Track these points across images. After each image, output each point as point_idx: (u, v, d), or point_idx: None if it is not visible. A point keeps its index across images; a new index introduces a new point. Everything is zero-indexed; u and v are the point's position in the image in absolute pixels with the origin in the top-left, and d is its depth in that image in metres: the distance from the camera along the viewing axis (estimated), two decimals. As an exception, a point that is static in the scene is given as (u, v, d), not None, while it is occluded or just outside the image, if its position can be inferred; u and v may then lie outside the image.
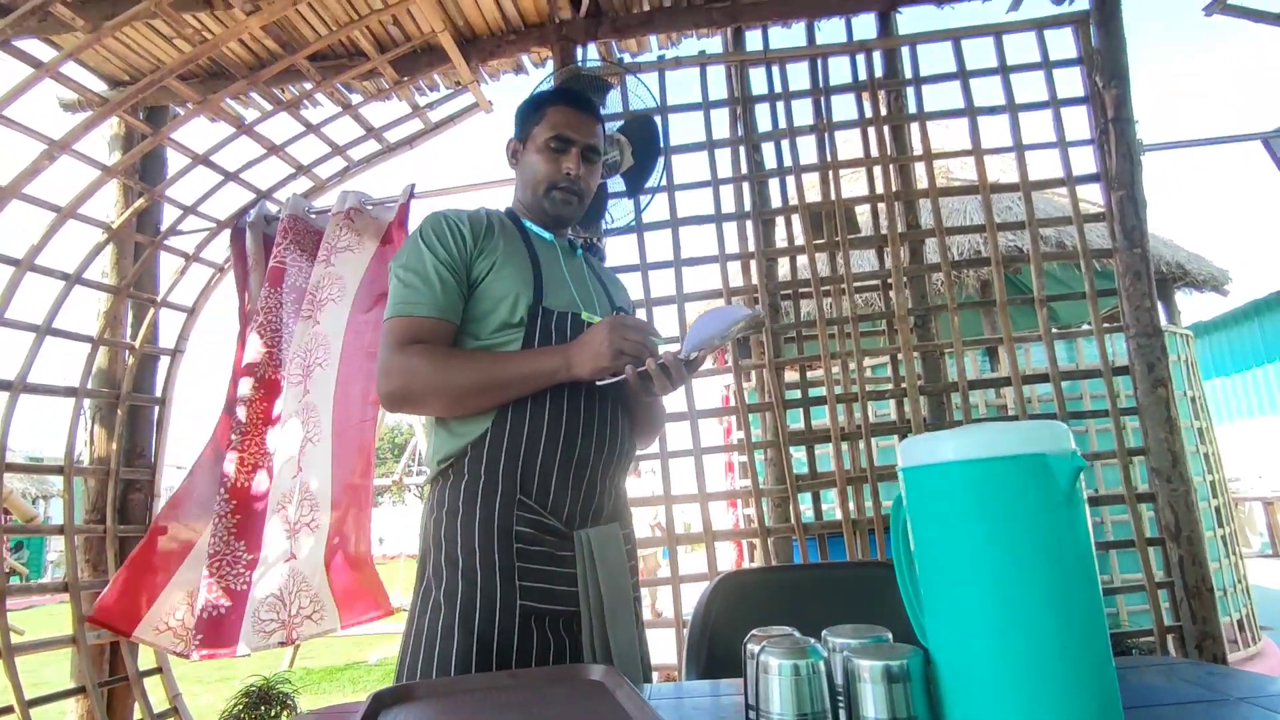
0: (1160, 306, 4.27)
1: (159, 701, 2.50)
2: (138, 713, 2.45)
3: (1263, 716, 0.64)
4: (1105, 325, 2.30)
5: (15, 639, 2.22)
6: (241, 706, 3.39)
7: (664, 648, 2.32)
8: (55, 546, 14.62)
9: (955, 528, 0.54)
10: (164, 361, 2.69)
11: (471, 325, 1.15)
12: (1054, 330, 2.32)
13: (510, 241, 1.20)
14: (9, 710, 2.09)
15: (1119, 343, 2.33)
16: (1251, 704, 0.67)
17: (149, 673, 2.50)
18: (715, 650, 1.27)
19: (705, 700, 0.83)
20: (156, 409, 2.64)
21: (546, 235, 1.27)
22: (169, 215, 2.62)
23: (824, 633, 0.64)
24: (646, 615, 2.33)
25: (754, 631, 0.67)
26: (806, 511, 2.31)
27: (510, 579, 1.06)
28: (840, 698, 0.57)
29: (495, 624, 1.03)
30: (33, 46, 2.23)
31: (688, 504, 2.35)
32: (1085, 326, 2.36)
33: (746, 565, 4.37)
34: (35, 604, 10.40)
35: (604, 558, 1.13)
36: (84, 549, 2.44)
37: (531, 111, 1.27)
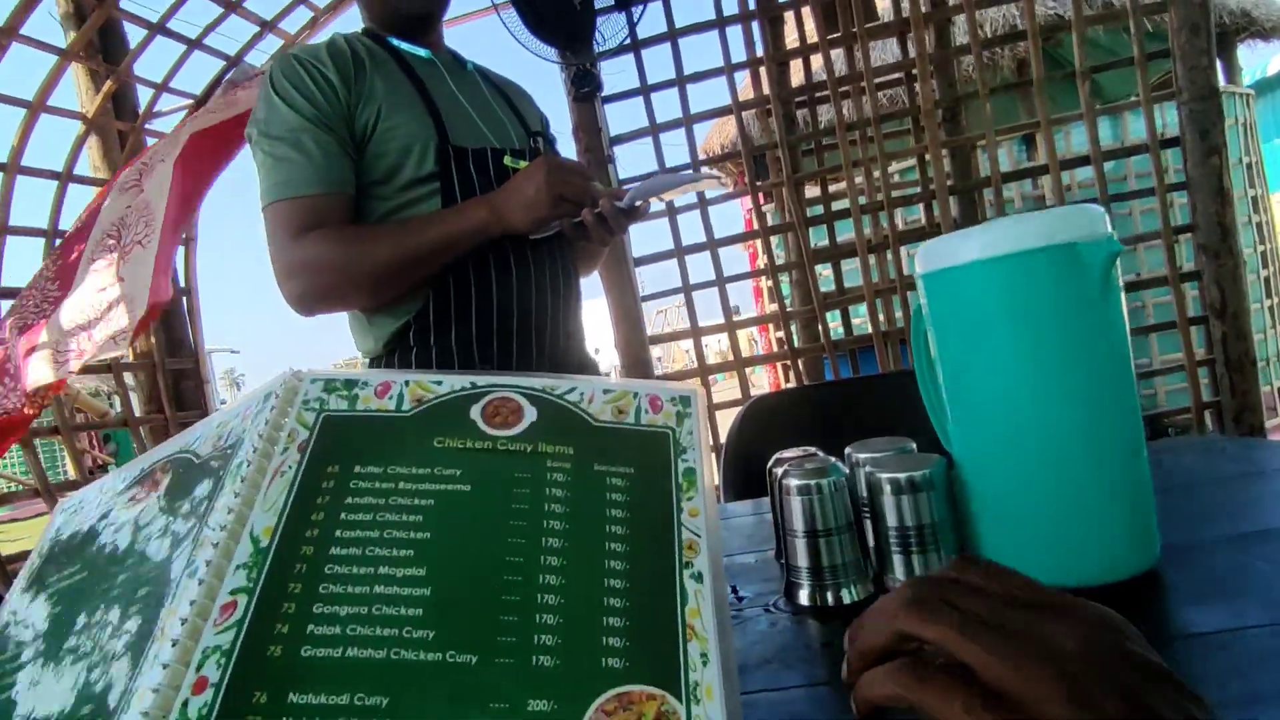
0: (1219, 64, 3.87)
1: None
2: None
3: (1300, 484, 0.63)
4: (1155, 94, 2.09)
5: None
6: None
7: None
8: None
9: (981, 331, 0.50)
10: (180, 251, 2.68)
11: (375, 188, 0.98)
12: (1097, 107, 2.13)
13: (387, 75, 0.99)
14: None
15: (1169, 112, 2.13)
16: (1289, 472, 0.66)
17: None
18: (751, 471, 1.32)
19: (748, 520, 0.86)
20: (185, 299, 2.67)
21: (422, 52, 1.06)
22: (145, 97, 2.49)
23: (847, 449, 0.64)
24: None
25: (777, 454, 0.67)
26: (836, 328, 2.29)
27: None
28: (865, 509, 0.57)
29: None
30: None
31: (718, 334, 2.35)
32: (1133, 98, 2.16)
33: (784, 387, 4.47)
34: (133, 487, 11.32)
35: None
36: (150, 438, 2.59)
37: None
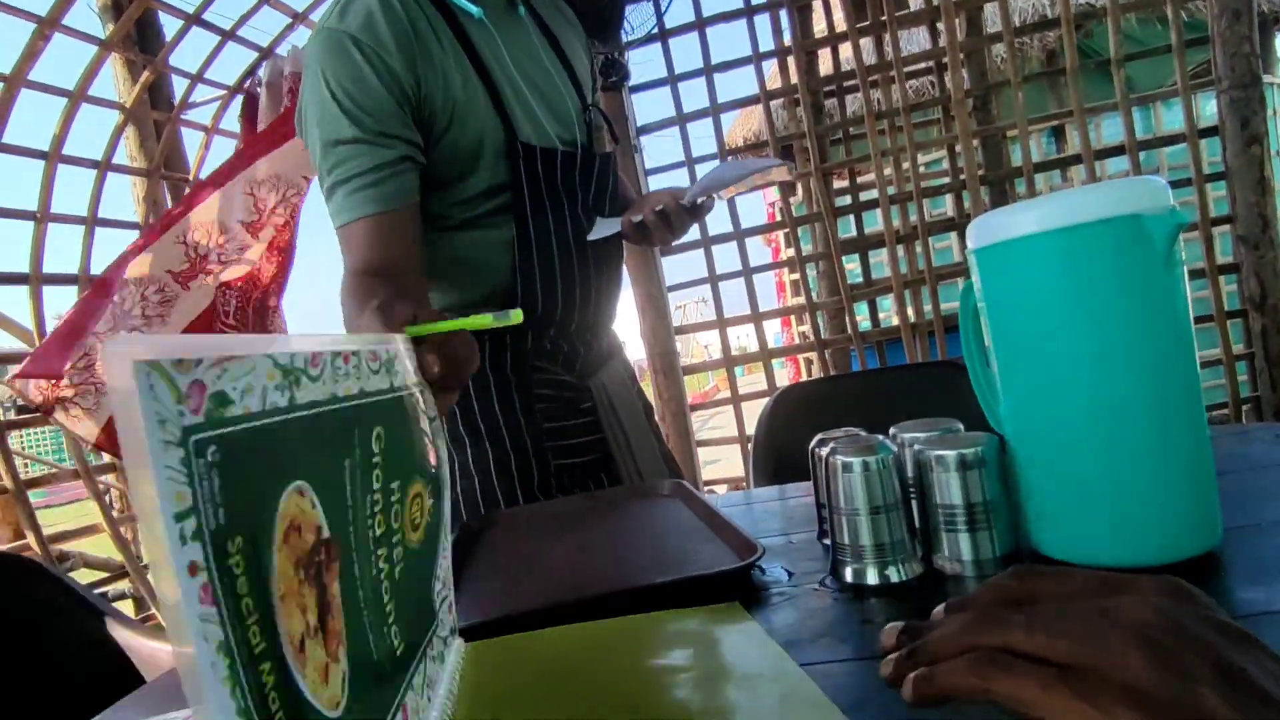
0: (1258, 54, 3.76)
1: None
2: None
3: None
4: (1192, 83, 2.05)
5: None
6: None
7: (730, 462, 2.42)
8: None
9: (1039, 307, 0.49)
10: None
11: (439, 193, 0.89)
12: (1132, 96, 2.09)
13: (448, 47, 0.87)
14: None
15: (1205, 102, 2.09)
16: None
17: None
18: (782, 460, 1.31)
19: (775, 504, 0.86)
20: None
21: (473, 9, 0.90)
22: (180, 88, 2.52)
23: (892, 429, 0.63)
24: (704, 435, 2.42)
25: (819, 435, 0.66)
26: (863, 320, 2.28)
27: (540, 444, 0.99)
28: (912, 490, 0.56)
29: (534, 481, 0.99)
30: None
31: (742, 325, 2.34)
32: (1171, 84, 2.11)
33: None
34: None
35: (620, 399, 1.09)
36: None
37: None
